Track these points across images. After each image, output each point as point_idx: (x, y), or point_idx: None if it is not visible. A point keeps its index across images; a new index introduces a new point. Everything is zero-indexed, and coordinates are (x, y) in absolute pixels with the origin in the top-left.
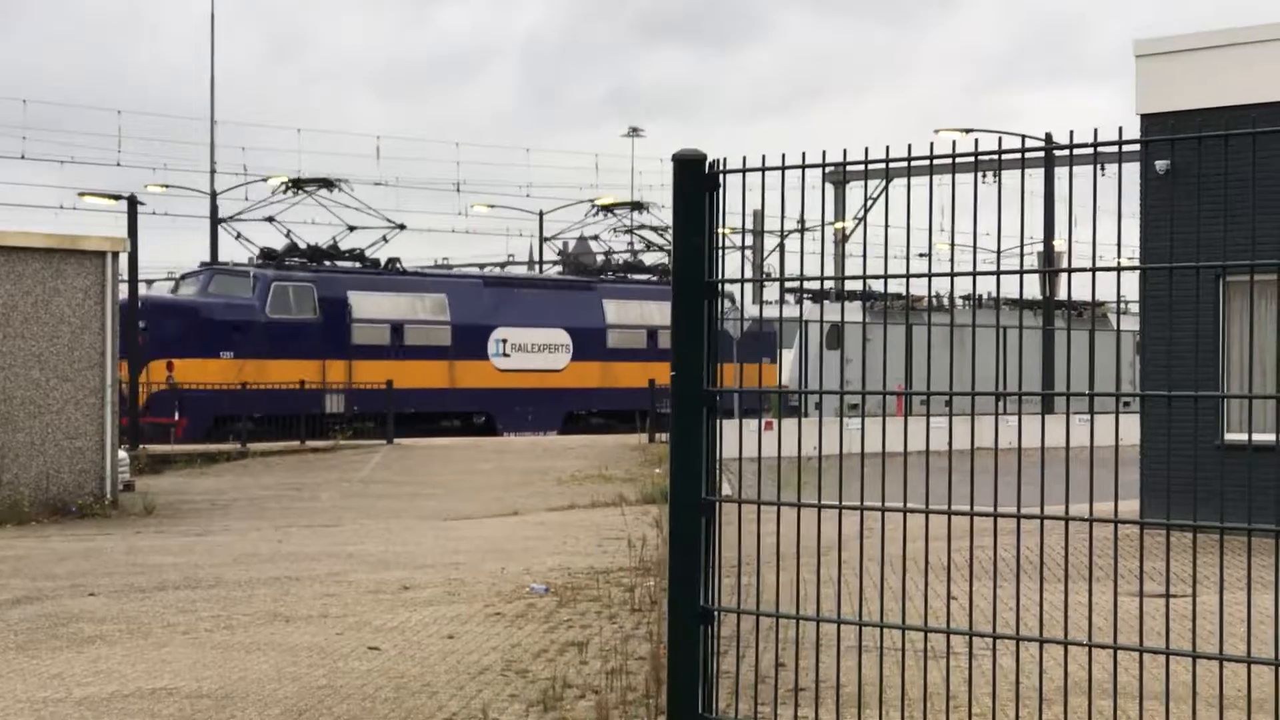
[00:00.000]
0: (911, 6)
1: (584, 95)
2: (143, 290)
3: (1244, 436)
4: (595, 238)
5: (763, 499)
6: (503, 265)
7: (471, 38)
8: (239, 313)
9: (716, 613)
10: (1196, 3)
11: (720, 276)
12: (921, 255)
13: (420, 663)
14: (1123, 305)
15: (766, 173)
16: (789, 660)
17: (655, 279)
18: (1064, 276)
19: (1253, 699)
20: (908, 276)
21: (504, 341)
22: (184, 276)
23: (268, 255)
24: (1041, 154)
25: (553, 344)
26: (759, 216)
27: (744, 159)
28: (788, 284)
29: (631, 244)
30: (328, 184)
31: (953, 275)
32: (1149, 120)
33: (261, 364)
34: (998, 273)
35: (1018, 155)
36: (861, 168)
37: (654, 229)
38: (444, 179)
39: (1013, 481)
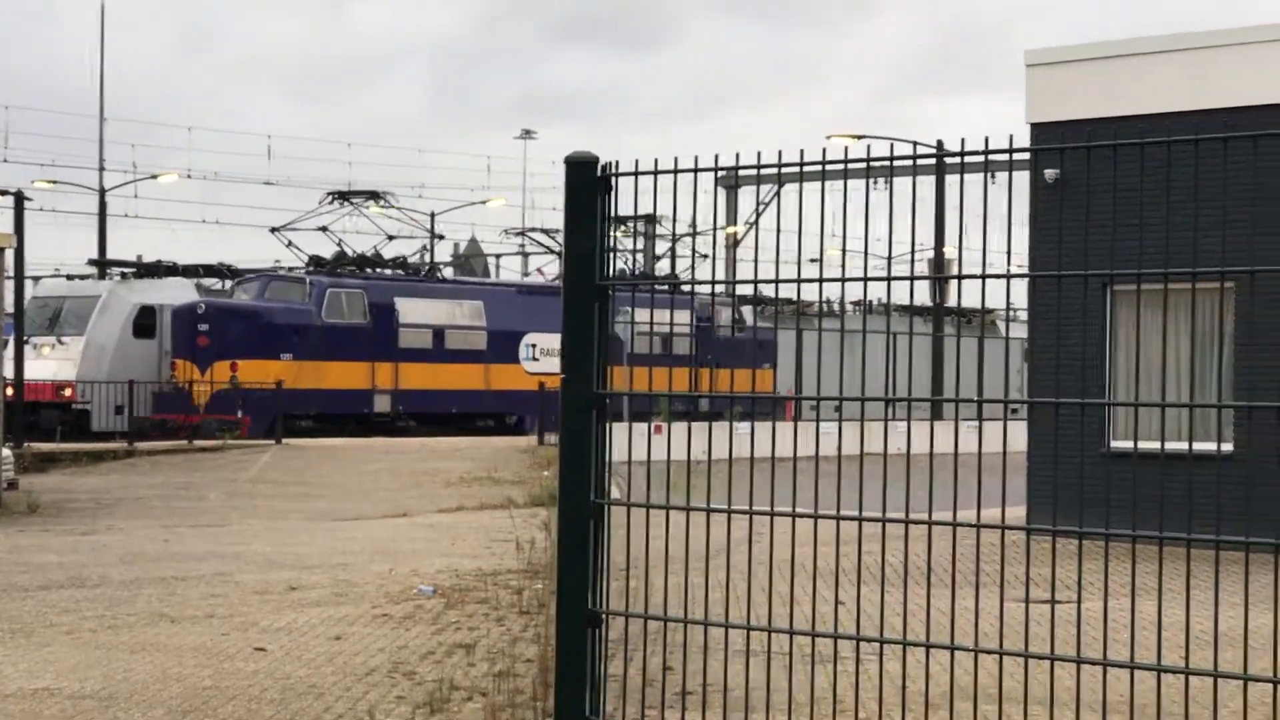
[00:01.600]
0: (827, 12)
1: (492, 97)
2: (205, 296)
3: (1129, 444)
4: (473, 239)
5: (651, 503)
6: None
7: (384, 37)
8: (297, 317)
9: (604, 616)
10: (1115, 12)
11: (611, 279)
12: (813, 261)
13: (307, 664)
14: (1011, 313)
15: (659, 176)
16: (677, 664)
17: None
18: (954, 283)
19: (1135, 704)
20: (799, 281)
21: (534, 346)
22: (239, 282)
23: (318, 263)
24: (934, 161)
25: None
26: (652, 220)
27: (635, 162)
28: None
29: (523, 246)
30: (374, 195)
31: (844, 281)
32: (1039, 129)
33: (317, 365)
34: (888, 279)
35: (909, 162)
36: (754, 173)
37: (545, 231)
38: (336, 179)
39: (902, 487)
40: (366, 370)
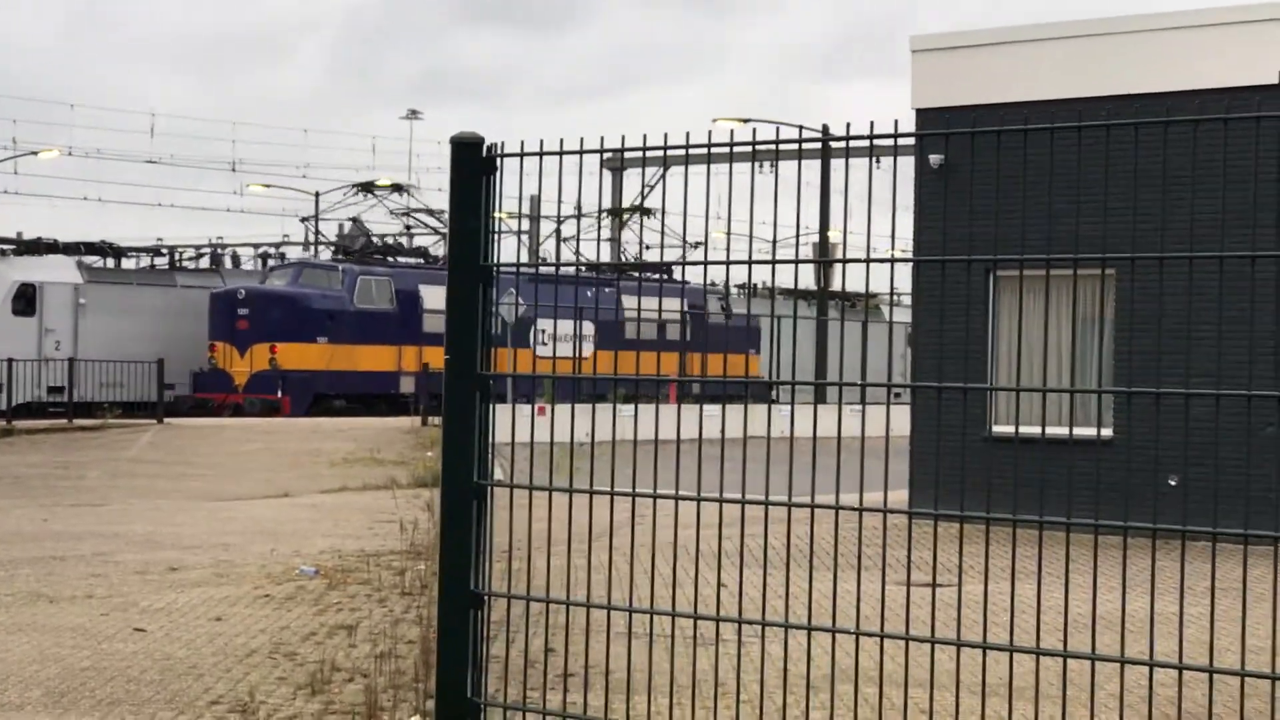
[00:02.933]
0: None
1: (394, 76)
2: (245, 281)
3: (1011, 429)
4: (354, 219)
5: (534, 484)
6: (277, 246)
7: (291, 13)
8: (331, 303)
9: (487, 597)
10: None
11: (496, 261)
12: (697, 244)
13: (187, 645)
14: (895, 297)
15: (545, 158)
16: (559, 646)
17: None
18: (838, 267)
19: (1014, 686)
20: (684, 264)
21: (543, 331)
22: (272, 269)
23: (345, 251)
24: (819, 145)
25: (584, 335)
26: (537, 202)
27: (521, 143)
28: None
29: (408, 227)
30: (398, 188)
31: (728, 264)
32: (924, 115)
33: (350, 349)
34: (773, 262)
35: (794, 146)
36: (640, 155)
37: (430, 212)
38: (221, 158)
39: (787, 471)
40: (394, 353)
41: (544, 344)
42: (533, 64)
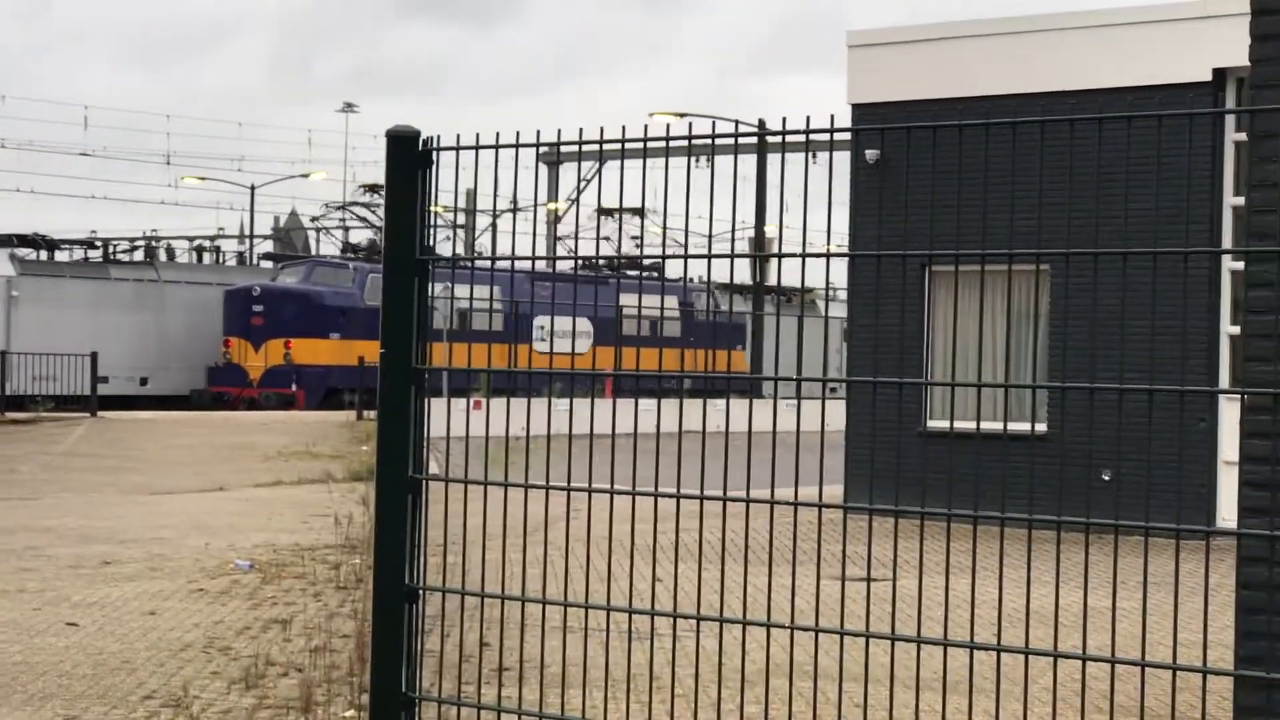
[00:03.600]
0: None
1: (330, 70)
2: (260, 279)
3: (946, 424)
4: (292, 211)
5: (470, 478)
6: (213, 239)
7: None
8: (344, 299)
9: (422, 591)
10: None
11: (432, 254)
12: (634, 238)
13: (120, 639)
14: (831, 292)
15: (481, 151)
16: (494, 640)
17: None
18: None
19: (949, 680)
20: (619, 259)
21: (541, 328)
22: (283, 267)
23: (353, 249)
24: (755, 140)
25: (581, 332)
26: (473, 195)
27: (458, 137)
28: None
29: (344, 220)
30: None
31: (664, 258)
32: (860, 110)
33: (362, 344)
34: (709, 256)
35: (730, 140)
36: (576, 149)
37: (366, 205)
38: (155, 150)
39: (720, 465)
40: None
41: (542, 340)
42: (470, 57)
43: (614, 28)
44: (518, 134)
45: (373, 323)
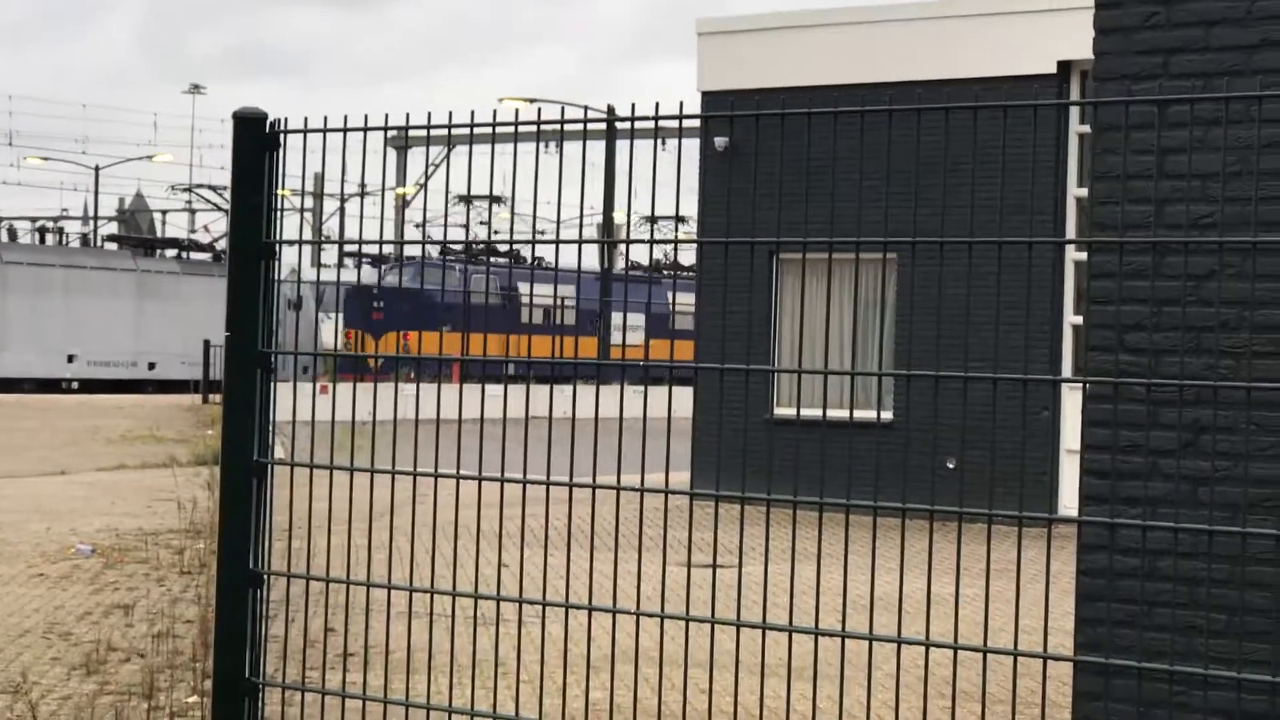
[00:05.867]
0: None
1: (203, 51)
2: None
3: (793, 411)
4: (138, 194)
5: (315, 462)
6: (55, 220)
7: None
8: (451, 296)
9: (266, 576)
10: None
11: (277, 238)
12: (482, 223)
13: None
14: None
15: (330, 135)
16: (339, 625)
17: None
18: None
19: (793, 666)
20: (467, 244)
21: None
22: (391, 266)
23: (446, 251)
24: (605, 126)
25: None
26: (320, 179)
27: (305, 119)
28: (347, 248)
29: (190, 202)
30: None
31: (512, 243)
32: (710, 97)
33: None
34: (556, 241)
35: (579, 126)
36: (425, 134)
37: (213, 188)
38: None
39: (568, 451)
40: (500, 340)
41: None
42: (344, 41)
43: (497, 13)
44: (365, 117)
45: (475, 316)
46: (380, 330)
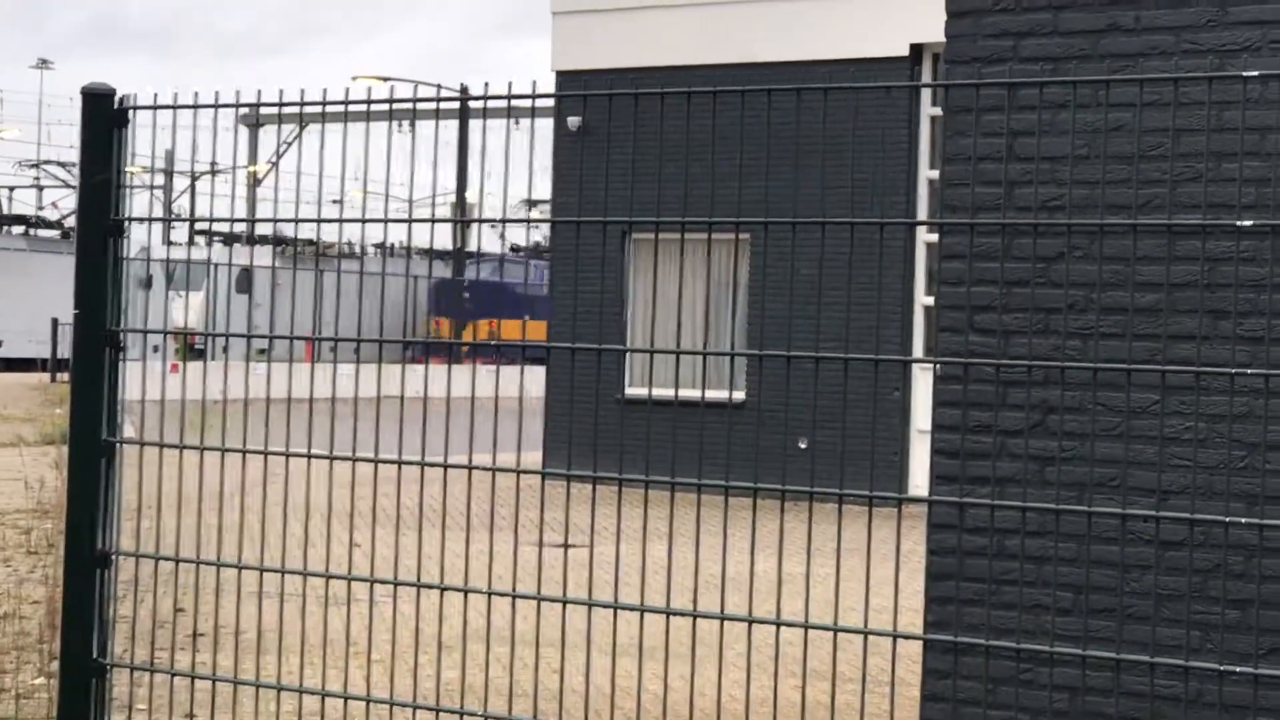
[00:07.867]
0: None
1: (64, 23)
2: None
3: (644, 391)
4: None
5: (165, 441)
6: None
7: None
8: (532, 289)
9: (114, 556)
10: None
11: (127, 215)
12: (335, 202)
13: None
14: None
15: (179, 111)
16: (190, 605)
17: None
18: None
19: (645, 646)
20: (319, 221)
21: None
22: (474, 261)
23: (516, 249)
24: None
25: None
26: (171, 156)
27: (155, 95)
28: (198, 225)
29: (38, 179)
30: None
31: (364, 222)
32: (564, 77)
33: (544, 325)
34: (409, 220)
35: (432, 105)
36: (276, 111)
37: (61, 165)
38: None
39: (418, 430)
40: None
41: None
42: (209, 15)
43: None
44: (216, 94)
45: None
46: (468, 318)
